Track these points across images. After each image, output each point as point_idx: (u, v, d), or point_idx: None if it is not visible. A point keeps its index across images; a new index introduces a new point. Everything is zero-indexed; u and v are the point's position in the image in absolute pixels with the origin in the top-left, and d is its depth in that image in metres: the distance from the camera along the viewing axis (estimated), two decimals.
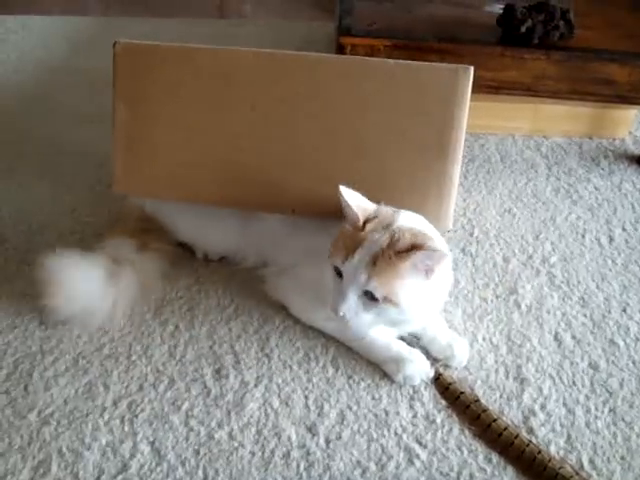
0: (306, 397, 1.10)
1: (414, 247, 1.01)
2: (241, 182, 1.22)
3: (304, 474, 0.99)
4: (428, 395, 1.10)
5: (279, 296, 1.25)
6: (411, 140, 1.17)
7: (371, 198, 1.11)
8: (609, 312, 1.28)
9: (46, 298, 1.16)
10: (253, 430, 1.04)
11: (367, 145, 1.18)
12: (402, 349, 1.14)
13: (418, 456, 1.02)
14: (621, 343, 1.21)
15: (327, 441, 1.03)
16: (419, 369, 1.12)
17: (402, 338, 1.17)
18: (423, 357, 1.14)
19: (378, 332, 1.15)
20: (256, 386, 1.11)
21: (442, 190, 1.19)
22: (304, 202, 1.21)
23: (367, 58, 1.28)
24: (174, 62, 1.21)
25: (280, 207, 1.23)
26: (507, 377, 1.14)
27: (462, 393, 1.09)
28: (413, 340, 1.18)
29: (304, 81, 1.18)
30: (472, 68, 1.15)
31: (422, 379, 1.12)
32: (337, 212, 1.12)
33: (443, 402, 1.09)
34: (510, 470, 1.00)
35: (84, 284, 1.18)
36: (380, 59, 1.25)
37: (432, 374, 1.13)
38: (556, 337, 1.22)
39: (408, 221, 1.08)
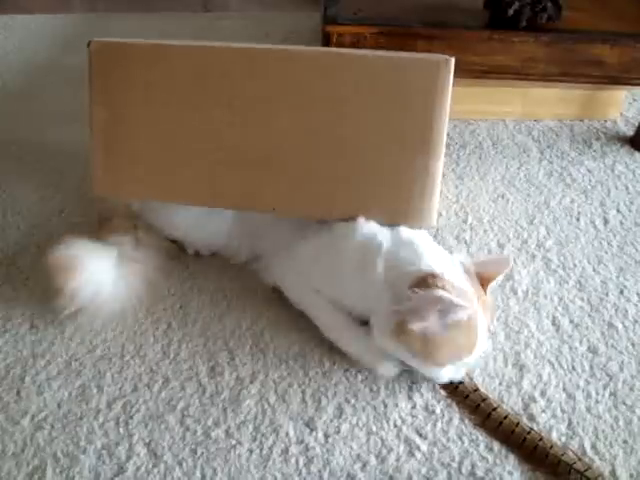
0: (303, 392, 1.08)
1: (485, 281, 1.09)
2: (221, 181, 1.20)
3: (303, 470, 0.97)
4: (427, 385, 1.09)
5: (274, 279, 1.22)
6: (392, 135, 1.14)
7: (353, 196, 1.10)
8: (606, 295, 1.27)
9: (62, 283, 1.13)
10: (250, 427, 1.03)
11: (347, 141, 1.15)
12: None
13: (418, 447, 1.00)
14: (619, 326, 1.20)
15: (326, 436, 1.02)
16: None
17: None
18: None
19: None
20: (252, 382, 1.09)
21: (425, 186, 1.15)
22: (285, 201, 1.19)
23: (344, 51, 1.25)
24: (149, 60, 1.18)
25: (261, 206, 1.21)
26: (506, 364, 1.13)
27: (461, 382, 1.08)
28: None
29: (280, 76, 1.15)
30: (453, 59, 1.11)
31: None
32: (318, 211, 1.12)
33: (442, 392, 1.08)
34: (512, 458, 0.99)
35: (99, 268, 1.17)
36: (358, 51, 1.22)
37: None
38: (554, 322, 1.21)
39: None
